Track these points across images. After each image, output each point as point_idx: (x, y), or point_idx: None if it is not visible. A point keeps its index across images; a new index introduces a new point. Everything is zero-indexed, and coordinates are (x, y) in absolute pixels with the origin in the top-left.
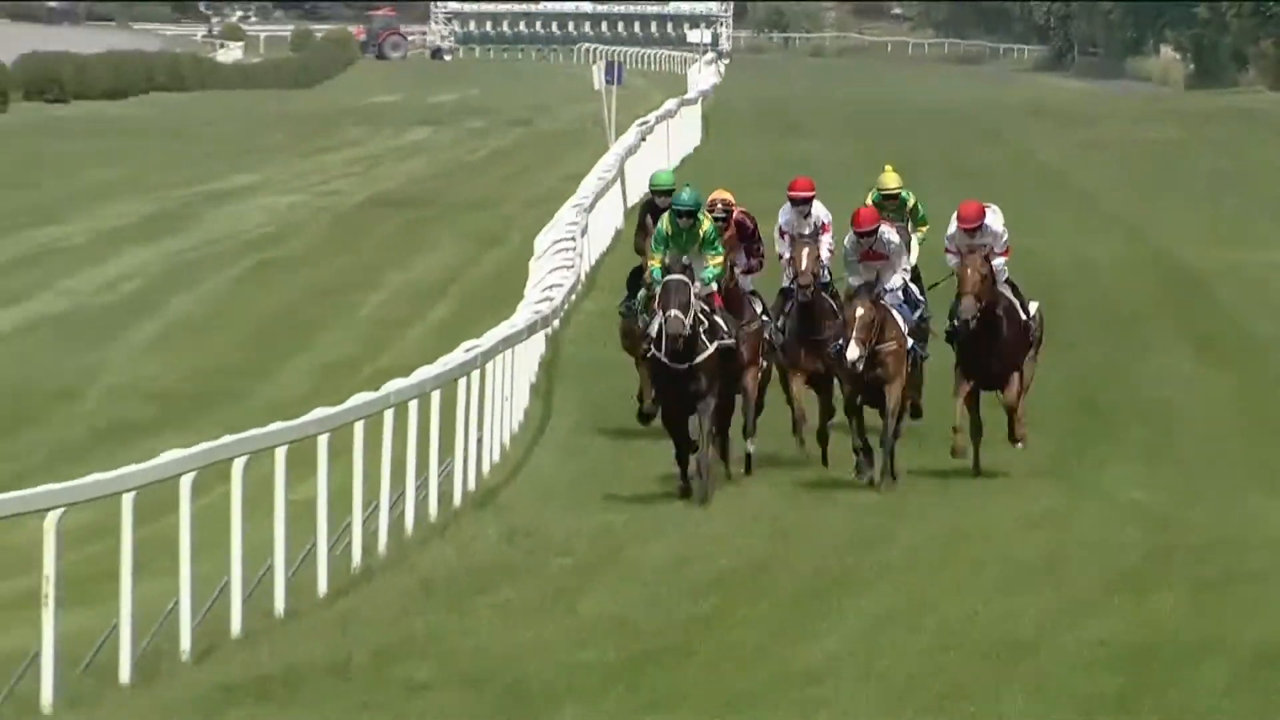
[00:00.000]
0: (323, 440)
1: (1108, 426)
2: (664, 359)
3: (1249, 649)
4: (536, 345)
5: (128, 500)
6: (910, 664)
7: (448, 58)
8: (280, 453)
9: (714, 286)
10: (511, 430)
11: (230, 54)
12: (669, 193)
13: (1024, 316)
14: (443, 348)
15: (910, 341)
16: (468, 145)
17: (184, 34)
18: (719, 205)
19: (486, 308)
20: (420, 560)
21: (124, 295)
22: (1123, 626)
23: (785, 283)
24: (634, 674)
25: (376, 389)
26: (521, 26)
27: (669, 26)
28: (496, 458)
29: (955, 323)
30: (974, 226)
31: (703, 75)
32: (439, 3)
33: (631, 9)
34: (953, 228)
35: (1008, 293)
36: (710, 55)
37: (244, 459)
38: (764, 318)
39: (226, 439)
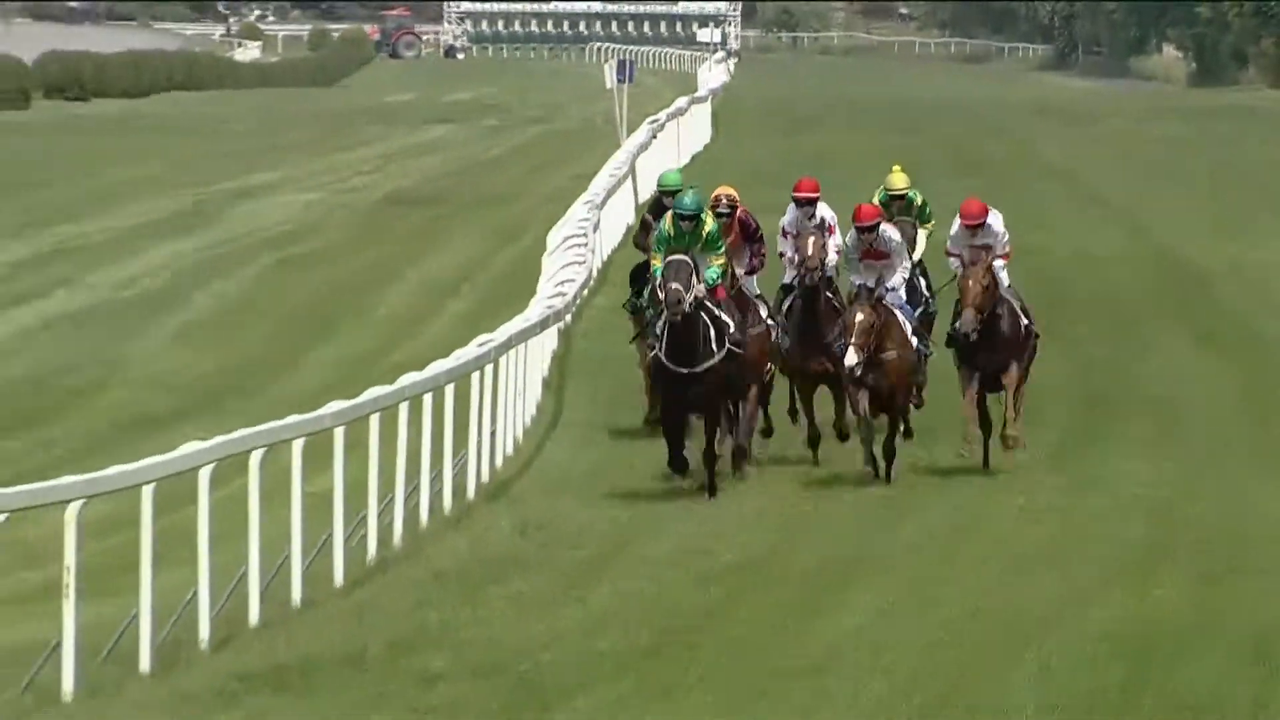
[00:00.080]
0: (339, 433)
1: (1110, 420)
2: (664, 359)
3: (1251, 640)
4: (549, 340)
5: (148, 492)
6: (915, 655)
7: (460, 56)
8: (297, 445)
9: (717, 284)
10: (524, 424)
11: (248, 53)
12: (676, 193)
13: (1025, 321)
14: (459, 342)
15: (915, 341)
16: (483, 143)
17: (203, 33)
18: (723, 200)
19: (502, 303)
20: (434, 552)
21: (145, 291)
22: (1125, 618)
23: (786, 279)
24: (644, 664)
25: (393, 383)
26: (533, 26)
27: (679, 26)
28: (509, 451)
29: (955, 332)
30: (977, 223)
31: (712, 74)
32: (452, 2)
33: (642, 9)
34: (955, 225)
35: (1010, 300)
36: (720, 54)
37: (262, 451)
38: (769, 321)
39: (245, 432)
